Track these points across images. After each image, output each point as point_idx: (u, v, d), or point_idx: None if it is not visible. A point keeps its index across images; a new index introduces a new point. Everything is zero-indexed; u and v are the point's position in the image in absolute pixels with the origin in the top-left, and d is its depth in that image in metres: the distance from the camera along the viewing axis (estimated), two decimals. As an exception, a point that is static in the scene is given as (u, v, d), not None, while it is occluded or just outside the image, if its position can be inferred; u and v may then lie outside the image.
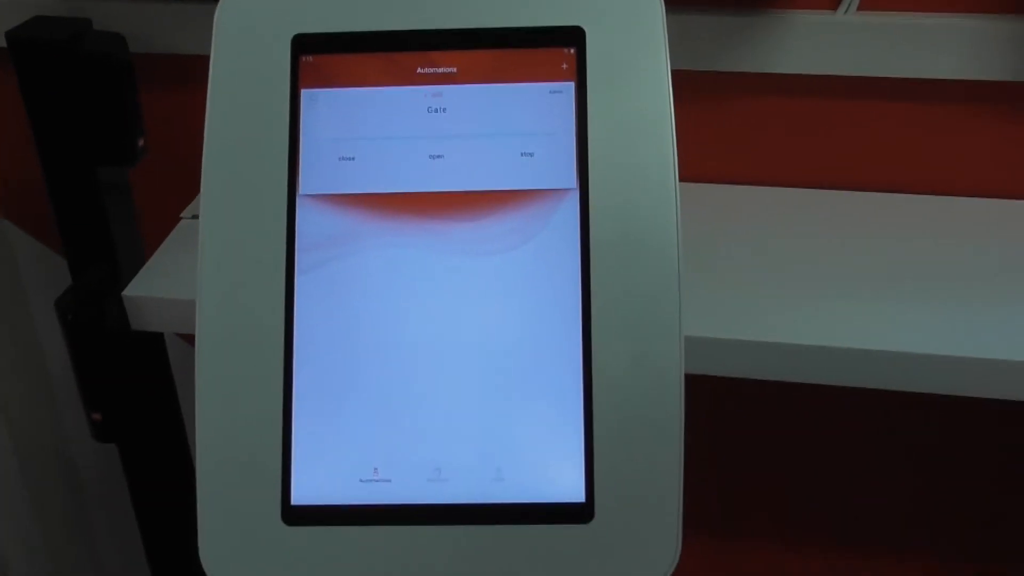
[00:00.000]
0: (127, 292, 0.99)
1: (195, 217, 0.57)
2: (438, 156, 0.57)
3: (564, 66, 0.57)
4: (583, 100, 0.57)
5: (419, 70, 0.58)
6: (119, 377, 1.05)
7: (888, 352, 0.86)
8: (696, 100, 1.03)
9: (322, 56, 0.58)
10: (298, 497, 0.56)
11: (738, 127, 1.05)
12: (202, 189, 0.57)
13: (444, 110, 0.58)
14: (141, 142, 0.99)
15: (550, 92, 0.57)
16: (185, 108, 0.95)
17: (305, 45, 0.58)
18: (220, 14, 0.59)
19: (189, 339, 0.56)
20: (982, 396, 0.87)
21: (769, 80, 1.01)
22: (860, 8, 0.97)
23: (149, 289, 1.00)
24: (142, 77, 0.98)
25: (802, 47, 0.98)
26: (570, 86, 0.57)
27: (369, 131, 0.58)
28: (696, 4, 0.98)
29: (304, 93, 0.58)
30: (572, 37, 0.57)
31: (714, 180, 1.08)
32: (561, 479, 0.55)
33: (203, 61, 0.58)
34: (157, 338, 1.07)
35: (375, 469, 0.56)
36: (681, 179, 0.58)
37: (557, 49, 0.57)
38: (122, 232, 1.03)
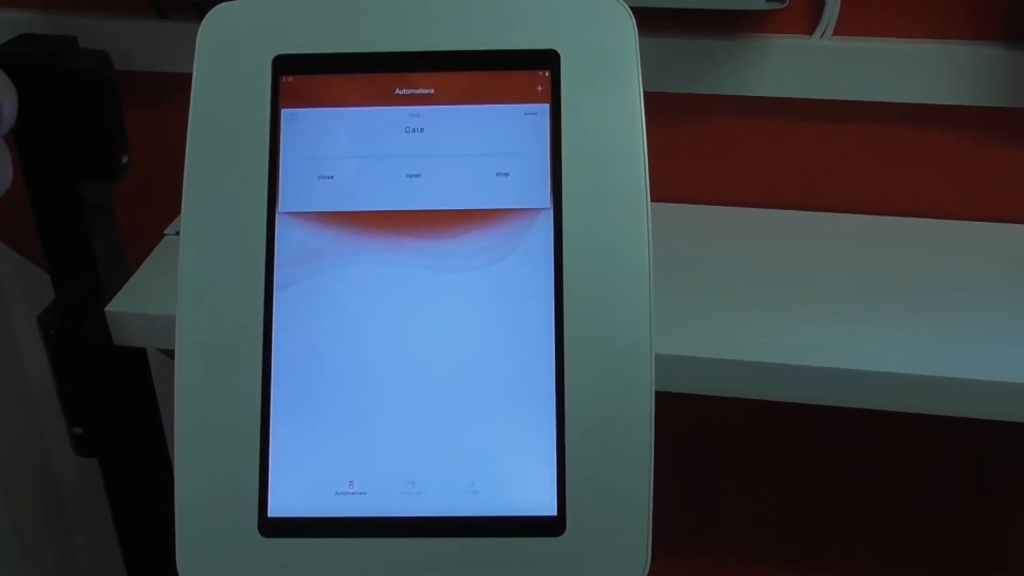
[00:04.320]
0: (110, 307, 1.00)
1: (178, 234, 0.58)
2: (416, 175, 0.58)
3: (539, 88, 0.59)
4: (557, 121, 0.58)
5: (397, 91, 0.59)
6: (101, 392, 1.06)
7: (860, 371, 0.88)
8: (674, 122, 1.05)
9: (302, 77, 0.59)
10: (275, 509, 0.57)
11: (715, 149, 1.06)
12: (183, 206, 0.58)
13: (422, 130, 0.59)
14: (125, 158, 1.00)
15: (525, 113, 0.59)
16: (169, 125, 0.96)
17: (286, 66, 0.59)
18: (202, 34, 0.60)
19: (171, 354, 0.57)
20: (953, 415, 0.89)
21: (746, 103, 1.02)
22: (835, 33, 0.99)
23: (132, 305, 1.00)
24: (127, 94, 0.99)
25: (778, 71, 1.00)
26: (545, 108, 0.58)
27: (348, 150, 0.59)
28: (676, 28, 1.00)
29: (284, 113, 0.59)
30: (547, 60, 0.58)
31: (691, 201, 1.09)
32: (533, 492, 0.56)
33: (187, 79, 0.59)
34: (139, 353, 1.07)
35: (351, 482, 0.57)
36: (658, 200, 0.59)
37: (532, 72, 0.59)
38: (105, 248, 1.04)
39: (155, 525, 1.15)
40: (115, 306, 1.00)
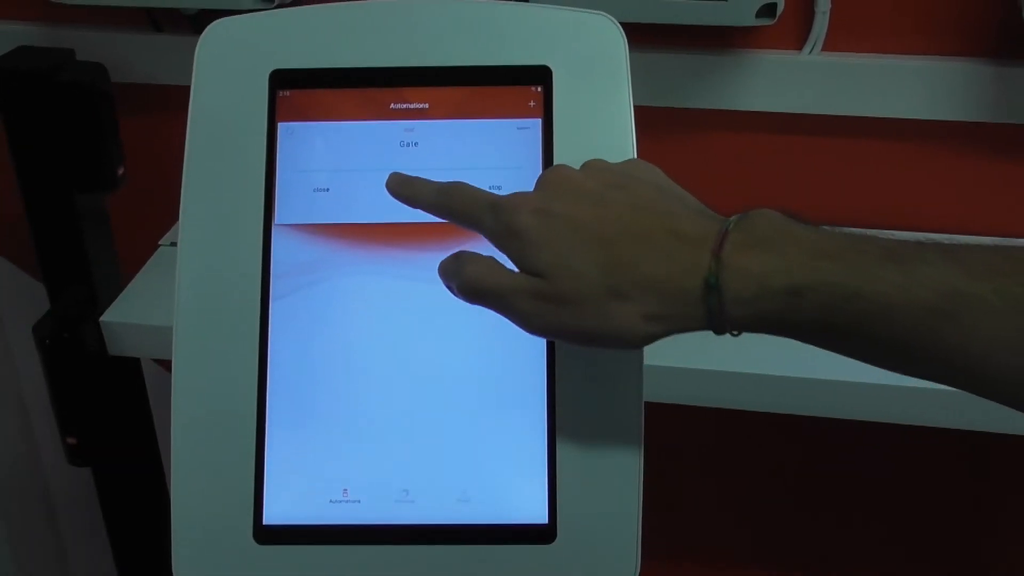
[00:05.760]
0: (105, 318, 1.01)
1: (173, 244, 0.59)
2: None
3: (531, 103, 0.60)
4: (549, 136, 0.59)
5: (392, 105, 0.60)
6: (95, 402, 1.06)
7: (852, 383, 0.89)
8: (665, 136, 1.06)
9: (299, 91, 0.60)
10: (270, 517, 0.57)
11: (705, 162, 1.07)
12: (181, 217, 0.59)
13: (416, 144, 0.60)
14: (121, 170, 1.01)
15: (518, 128, 0.60)
16: (164, 137, 0.97)
17: (283, 80, 0.60)
18: (201, 49, 0.61)
19: (165, 364, 0.58)
20: (952, 427, 0.90)
21: (736, 117, 1.03)
22: (824, 49, 1.00)
23: (126, 315, 1.01)
24: (122, 106, 1.00)
25: (767, 86, 1.01)
26: (537, 122, 0.59)
27: (343, 164, 0.60)
28: (666, 44, 1.01)
29: (281, 126, 0.60)
30: (539, 76, 0.59)
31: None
32: (525, 501, 0.57)
33: (182, 91, 0.60)
34: (134, 363, 1.08)
35: (345, 490, 0.58)
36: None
37: (524, 87, 0.60)
38: (100, 258, 1.05)
39: (149, 534, 1.15)
40: (110, 316, 1.01)
